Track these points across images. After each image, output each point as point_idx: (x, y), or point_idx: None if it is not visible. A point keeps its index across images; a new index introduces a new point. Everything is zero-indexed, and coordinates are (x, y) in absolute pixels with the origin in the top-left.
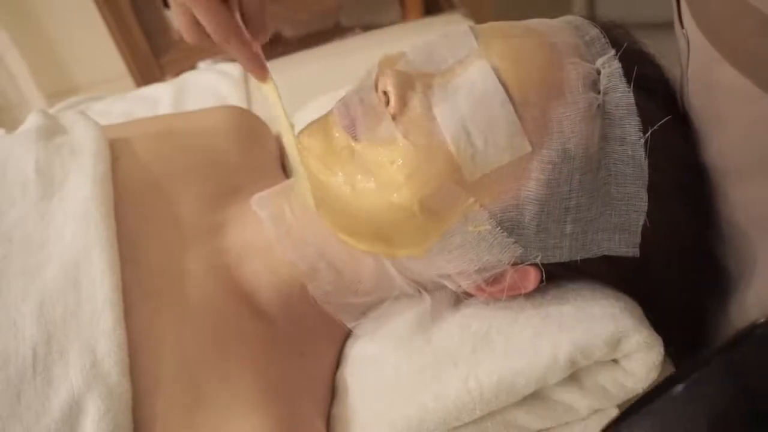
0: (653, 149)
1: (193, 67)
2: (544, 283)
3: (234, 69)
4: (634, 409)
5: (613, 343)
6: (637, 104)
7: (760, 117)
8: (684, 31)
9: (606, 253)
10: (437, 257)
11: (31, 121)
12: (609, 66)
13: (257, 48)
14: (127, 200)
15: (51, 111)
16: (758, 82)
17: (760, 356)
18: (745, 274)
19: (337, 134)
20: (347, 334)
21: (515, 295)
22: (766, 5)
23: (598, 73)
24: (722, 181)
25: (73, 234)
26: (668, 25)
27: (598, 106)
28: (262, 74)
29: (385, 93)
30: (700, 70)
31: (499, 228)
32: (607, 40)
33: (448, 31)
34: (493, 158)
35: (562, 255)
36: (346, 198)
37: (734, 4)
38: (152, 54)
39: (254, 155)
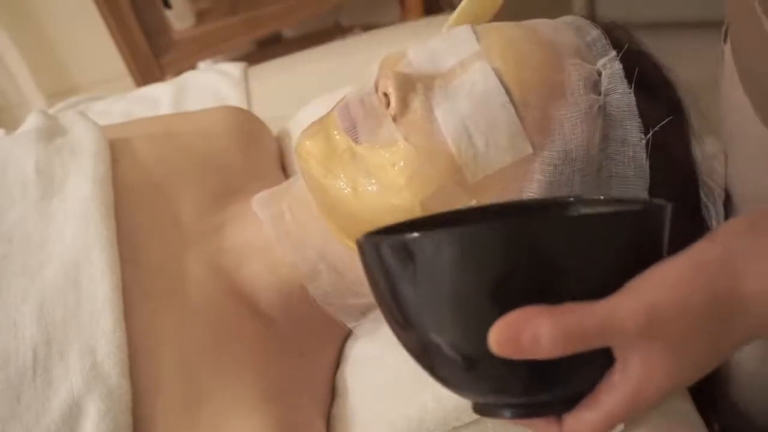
0: (654, 150)
1: (193, 67)
2: None
3: (234, 69)
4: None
5: None
6: (638, 106)
7: (758, 144)
8: (725, 47)
9: None
10: None
11: (31, 121)
12: (610, 67)
13: None
14: (127, 200)
15: (51, 111)
16: (756, 106)
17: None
18: None
19: (337, 136)
20: (347, 335)
21: None
22: None
23: (599, 74)
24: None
25: (73, 234)
26: (668, 25)
27: (599, 107)
28: None
29: (385, 94)
30: (727, 89)
31: None
32: (608, 41)
33: (449, 32)
34: (494, 159)
35: None
36: (348, 201)
37: (753, 29)
38: (152, 54)
39: (254, 155)
